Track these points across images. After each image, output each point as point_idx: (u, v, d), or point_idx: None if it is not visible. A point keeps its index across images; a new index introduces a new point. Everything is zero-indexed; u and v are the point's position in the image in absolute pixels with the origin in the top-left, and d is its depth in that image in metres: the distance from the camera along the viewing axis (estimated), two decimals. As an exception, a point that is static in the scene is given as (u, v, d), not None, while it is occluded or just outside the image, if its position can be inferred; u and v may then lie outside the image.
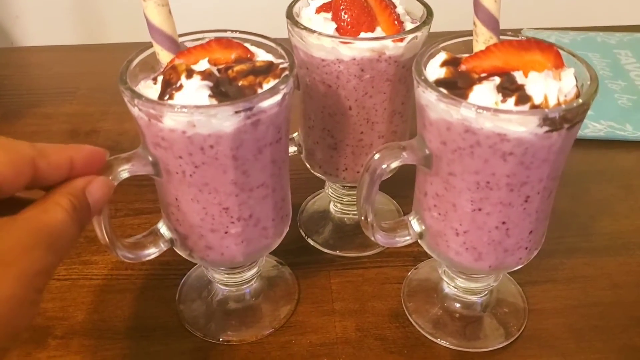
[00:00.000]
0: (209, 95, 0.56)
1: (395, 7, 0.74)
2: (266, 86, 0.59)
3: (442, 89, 0.58)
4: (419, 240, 0.69)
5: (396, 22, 0.70)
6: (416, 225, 0.68)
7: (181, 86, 0.57)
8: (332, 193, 0.88)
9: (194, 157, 0.58)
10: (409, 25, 0.72)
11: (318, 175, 0.82)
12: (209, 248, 0.66)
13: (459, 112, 0.56)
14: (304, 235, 0.87)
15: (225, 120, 0.56)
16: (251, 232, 0.66)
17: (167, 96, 0.57)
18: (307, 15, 0.75)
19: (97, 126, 1.11)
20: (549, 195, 0.63)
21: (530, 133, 0.55)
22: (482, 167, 0.59)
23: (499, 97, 0.57)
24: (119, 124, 1.11)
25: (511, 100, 0.56)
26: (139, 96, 0.56)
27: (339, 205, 0.89)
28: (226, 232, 0.64)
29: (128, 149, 0.61)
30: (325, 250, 0.85)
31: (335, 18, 0.70)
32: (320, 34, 0.68)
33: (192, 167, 0.59)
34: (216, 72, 0.59)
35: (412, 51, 0.71)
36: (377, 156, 0.62)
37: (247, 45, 0.65)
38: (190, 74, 0.58)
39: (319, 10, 0.74)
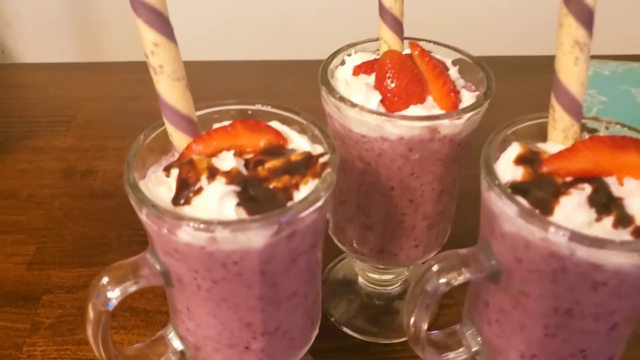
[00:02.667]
0: (237, 204, 0.46)
1: (447, 70, 0.63)
2: (304, 188, 0.48)
3: (521, 200, 0.47)
4: (475, 357, 0.59)
5: (452, 94, 0.59)
6: (472, 340, 0.58)
7: (201, 189, 0.46)
8: (360, 264, 0.77)
9: (214, 272, 0.48)
10: (465, 95, 0.61)
11: (347, 252, 0.72)
12: (225, 363, 0.55)
13: (545, 234, 0.45)
14: (327, 313, 0.77)
15: (255, 236, 0.45)
16: (277, 346, 0.55)
17: (183, 200, 0.47)
18: (344, 76, 0.64)
19: (94, 165, 1.00)
20: (636, 319, 0.52)
21: (632, 265, 0.45)
22: (564, 294, 0.48)
23: (592, 214, 0.46)
24: (118, 162, 1.00)
25: (608, 221, 0.45)
26: (147, 203, 0.46)
27: (367, 278, 0.78)
28: (247, 347, 0.54)
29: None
30: (353, 334, 0.75)
31: (380, 87, 0.59)
32: (362, 108, 0.57)
33: (210, 283, 0.49)
34: (243, 170, 0.48)
35: (470, 128, 0.60)
36: (435, 268, 0.52)
37: (277, 124, 0.54)
38: (212, 174, 0.47)
39: (358, 70, 0.63)
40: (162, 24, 0.47)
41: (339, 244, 0.72)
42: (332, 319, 0.76)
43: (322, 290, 0.78)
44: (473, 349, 0.57)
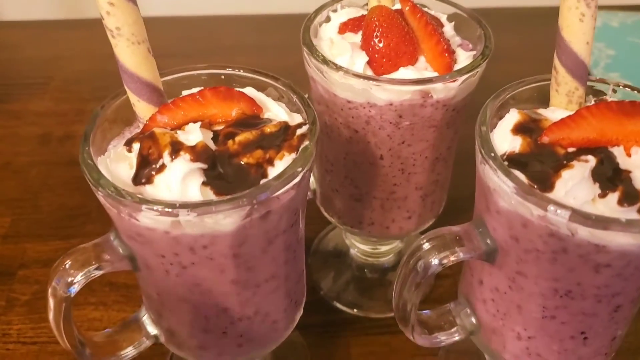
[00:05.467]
0: (203, 183, 0.41)
1: (442, 26, 0.58)
2: (279, 164, 0.43)
3: (519, 174, 0.42)
4: (470, 337, 0.55)
5: (446, 54, 0.54)
6: (466, 319, 0.54)
7: (163, 166, 0.42)
8: (350, 235, 0.73)
9: (181, 257, 0.44)
10: (461, 55, 0.55)
11: (336, 224, 0.68)
12: (202, 348, 0.52)
13: (543, 212, 0.41)
14: (316, 286, 0.73)
15: (224, 218, 0.41)
16: (257, 330, 0.52)
17: (144, 179, 0.42)
18: (329, 35, 0.58)
19: (72, 130, 0.95)
20: (643, 298, 0.49)
21: (639, 246, 0.41)
22: (564, 275, 0.44)
23: (596, 189, 0.42)
24: (98, 127, 0.95)
25: (613, 197, 0.41)
26: (103, 185, 0.41)
27: (358, 250, 0.74)
28: (224, 332, 0.50)
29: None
30: (343, 308, 0.71)
31: (367, 47, 0.54)
32: (347, 72, 0.52)
33: (179, 268, 0.45)
34: (211, 144, 0.44)
35: (466, 91, 0.55)
36: (426, 246, 0.48)
37: (252, 91, 0.49)
38: (175, 149, 0.42)
39: (344, 28, 0.58)
40: (117, -20, 0.42)
41: (327, 215, 0.68)
42: (322, 292, 0.72)
43: (311, 261, 0.75)
44: (468, 329, 0.54)
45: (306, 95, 0.50)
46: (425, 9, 0.60)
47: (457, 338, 0.54)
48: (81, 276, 0.45)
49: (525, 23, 1.19)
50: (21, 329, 0.69)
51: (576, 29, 0.46)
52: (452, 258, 0.47)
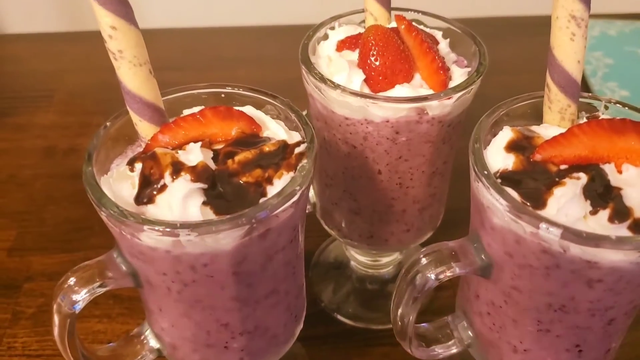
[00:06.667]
0: (203, 203, 0.42)
1: (437, 44, 0.59)
2: (278, 182, 0.44)
3: (511, 192, 0.43)
4: (468, 350, 0.56)
5: (441, 71, 0.55)
6: (464, 332, 0.55)
7: (165, 186, 0.43)
8: (350, 247, 0.74)
9: (183, 275, 0.45)
10: (456, 72, 0.56)
11: (336, 237, 0.69)
12: (204, 362, 0.53)
13: (535, 230, 0.42)
14: (317, 298, 0.74)
15: (224, 237, 0.42)
16: (257, 344, 0.53)
17: (146, 199, 0.43)
18: (326, 52, 0.59)
19: (77, 143, 0.96)
20: (636, 311, 0.49)
21: (629, 262, 0.42)
22: (558, 290, 0.45)
23: (588, 206, 0.43)
24: (102, 140, 0.96)
25: (604, 214, 0.42)
26: (106, 205, 0.42)
27: (359, 262, 0.75)
28: (226, 347, 0.51)
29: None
30: (344, 320, 0.72)
31: (364, 65, 0.55)
32: (344, 89, 0.53)
33: (180, 285, 0.46)
34: (211, 164, 0.45)
35: (461, 107, 0.56)
36: (423, 261, 0.49)
37: (251, 109, 0.50)
38: (177, 169, 0.43)
39: (341, 46, 0.59)
40: (118, 5, 0.44)
41: (327, 228, 0.69)
42: (322, 304, 0.73)
43: (312, 274, 0.76)
44: (465, 343, 0.55)
45: (305, 112, 0.52)
46: (421, 27, 0.61)
47: (454, 351, 0.55)
48: (85, 293, 0.46)
49: (521, 32, 1.20)
50: (26, 342, 0.70)
51: (567, 49, 0.47)
52: (449, 273, 0.48)
